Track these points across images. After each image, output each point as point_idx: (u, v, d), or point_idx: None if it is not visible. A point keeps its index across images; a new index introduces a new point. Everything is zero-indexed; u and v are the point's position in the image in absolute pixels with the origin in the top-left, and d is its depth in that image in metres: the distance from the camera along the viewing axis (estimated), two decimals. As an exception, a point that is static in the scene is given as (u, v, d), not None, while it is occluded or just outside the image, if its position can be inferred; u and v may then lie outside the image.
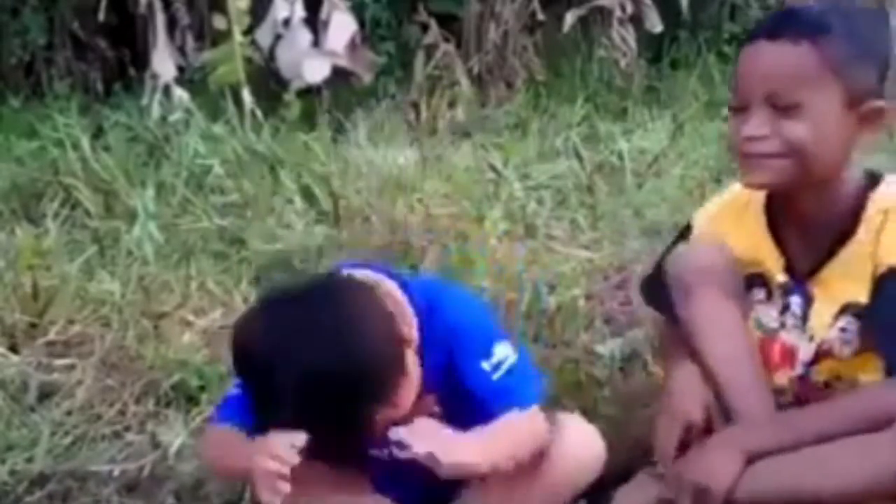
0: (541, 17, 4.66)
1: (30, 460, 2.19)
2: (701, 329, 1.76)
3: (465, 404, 1.70)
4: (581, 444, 1.77)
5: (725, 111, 4.46)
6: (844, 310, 1.73)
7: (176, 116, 3.97)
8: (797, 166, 1.64)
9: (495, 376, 1.67)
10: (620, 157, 3.84)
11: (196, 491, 2.12)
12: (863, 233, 1.70)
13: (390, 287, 1.71)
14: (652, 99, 4.57)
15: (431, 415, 1.69)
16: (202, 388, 2.44)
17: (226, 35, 4.10)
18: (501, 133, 4.12)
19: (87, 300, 2.76)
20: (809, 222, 1.72)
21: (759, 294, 1.82)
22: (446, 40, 4.49)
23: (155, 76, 4.17)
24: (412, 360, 1.65)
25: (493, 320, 1.79)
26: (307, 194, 3.45)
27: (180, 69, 4.26)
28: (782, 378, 1.81)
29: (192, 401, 2.42)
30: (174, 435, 2.29)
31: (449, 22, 4.61)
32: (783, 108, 1.62)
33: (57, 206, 3.31)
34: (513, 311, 2.68)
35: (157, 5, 4.27)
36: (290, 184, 3.47)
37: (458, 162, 3.70)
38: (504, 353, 1.69)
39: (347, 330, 1.56)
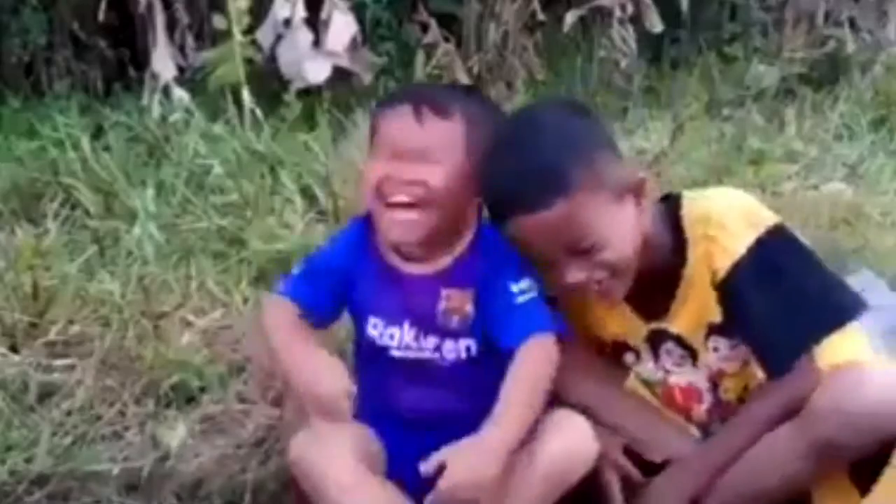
0: (541, 17, 4.65)
1: (30, 460, 2.19)
2: (597, 405, 1.85)
3: (490, 318, 1.80)
4: (574, 438, 1.78)
5: (726, 111, 4.46)
6: (710, 331, 1.82)
7: (176, 116, 3.97)
8: (625, 273, 1.75)
9: (520, 299, 1.76)
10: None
11: (196, 491, 2.12)
12: (692, 256, 1.78)
13: None
14: (652, 99, 4.57)
15: (464, 313, 1.81)
16: (202, 389, 2.44)
17: (226, 35, 4.09)
18: (501, 133, 4.12)
19: (87, 300, 2.76)
20: (645, 279, 1.79)
21: (630, 357, 1.94)
22: (446, 40, 4.48)
23: (155, 76, 4.16)
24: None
25: (525, 260, 1.83)
26: (307, 194, 3.45)
27: (180, 69, 4.25)
28: (699, 413, 1.91)
29: (192, 401, 2.42)
30: (174, 435, 2.29)
31: (449, 22, 4.61)
32: (584, 251, 1.71)
33: (57, 206, 3.31)
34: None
35: (157, 5, 4.26)
36: (290, 184, 3.47)
37: (458, 162, 3.69)
38: (531, 286, 1.78)
39: None
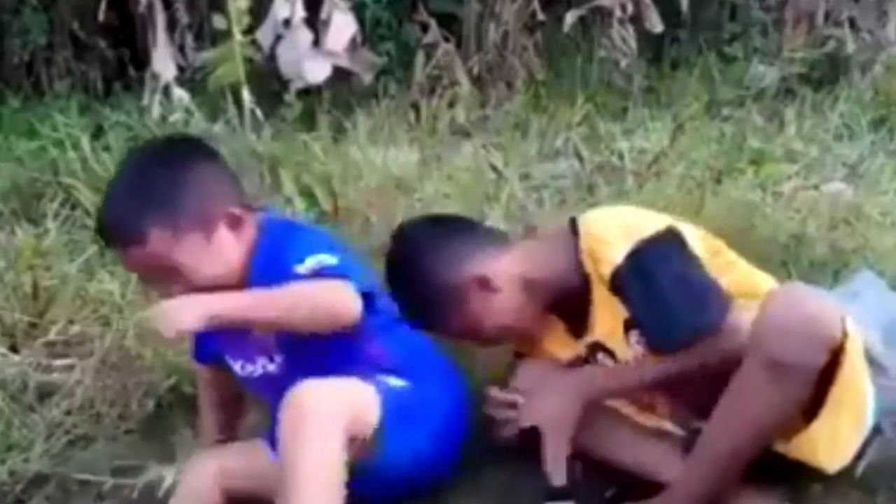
0: (541, 17, 4.65)
1: (29, 460, 2.19)
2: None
3: None
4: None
5: (726, 111, 4.45)
6: (627, 327, 1.95)
7: (176, 116, 3.97)
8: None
9: (303, 270, 1.84)
10: (620, 157, 3.84)
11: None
12: (589, 269, 1.94)
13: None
14: (652, 99, 4.56)
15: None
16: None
17: (226, 35, 4.09)
18: (501, 133, 4.12)
19: (87, 300, 2.77)
20: (564, 302, 2.01)
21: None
22: (446, 40, 4.48)
23: (155, 76, 4.16)
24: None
25: (322, 238, 1.99)
26: (307, 194, 3.45)
27: (180, 69, 4.26)
28: (662, 405, 2.05)
29: (192, 401, 2.42)
30: (174, 435, 2.29)
31: (449, 22, 4.61)
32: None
33: (57, 206, 3.31)
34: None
35: (157, 5, 4.26)
36: (290, 184, 3.47)
37: (458, 162, 3.70)
38: (319, 259, 1.85)
39: None
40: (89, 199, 3.34)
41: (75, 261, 2.96)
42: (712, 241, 2.00)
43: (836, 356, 1.79)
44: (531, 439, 1.96)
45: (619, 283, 1.89)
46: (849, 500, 1.94)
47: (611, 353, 2.00)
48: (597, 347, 2.02)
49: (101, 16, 4.26)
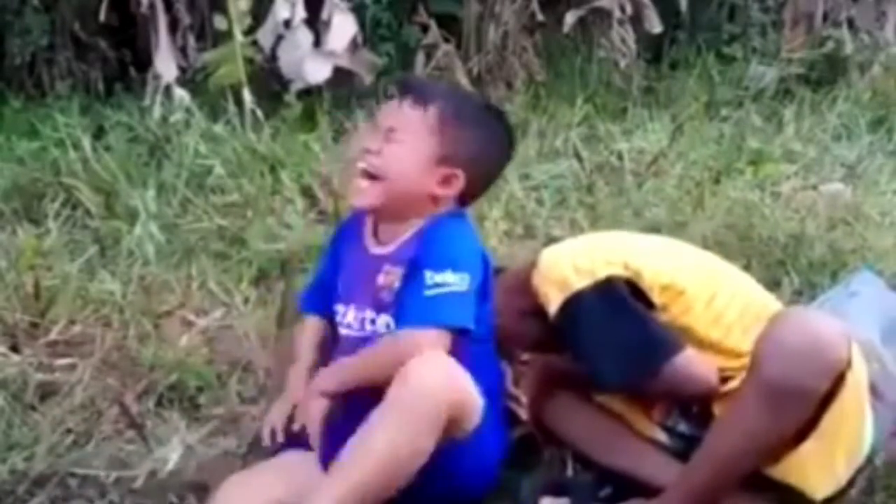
0: (540, 17, 4.66)
1: (30, 459, 2.20)
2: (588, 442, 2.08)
3: (398, 299, 1.90)
4: (430, 373, 1.78)
5: (725, 111, 4.46)
6: None
7: (177, 117, 3.97)
8: None
9: (429, 292, 1.83)
10: (620, 157, 3.84)
11: (196, 491, 2.12)
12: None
13: None
14: (651, 99, 4.57)
15: (392, 289, 1.91)
16: (201, 389, 2.45)
17: (227, 36, 4.10)
18: (501, 133, 4.12)
19: (88, 300, 2.77)
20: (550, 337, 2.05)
21: None
22: (446, 41, 4.49)
23: (156, 76, 4.17)
24: None
25: (467, 255, 1.90)
26: (307, 194, 3.46)
27: (181, 69, 4.26)
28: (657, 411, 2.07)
29: (192, 401, 2.43)
30: (174, 435, 2.30)
31: (449, 22, 4.62)
32: None
33: (58, 207, 3.32)
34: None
35: (159, 6, 4.27)
36: (291, 184, 3.48)
37: (457, 162, 3.69)
38: (451, 281, 1.83)
39: None
40: (90, 199, 3.35)
41: (76, 261, 2.97)
42: (690, 275, 1.98)
43: (837, 382, 1.77)
44: None
45: (557, 330, 1.97)
46: (846, 499, 1.95)
47: None
48: None
49: (102, 16, 4.27)
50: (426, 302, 1.83)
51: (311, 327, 2.14)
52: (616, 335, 1.91)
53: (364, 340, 1.95)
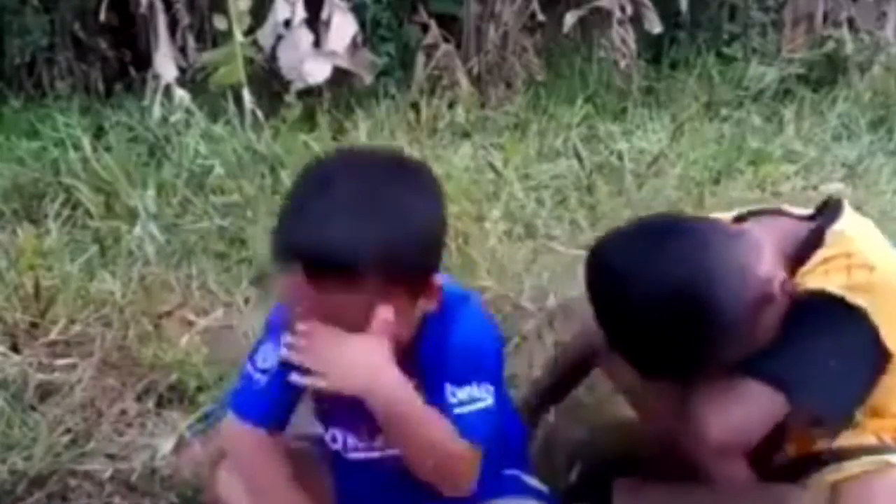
0: (540, 17, 4.66)
1: (30, 459, 2.20)
2: None
3: None
4: None
5: (725, 111, 4.46)
6: None
7: (177, 117, 3.97)
8: None
9: (457, 410, 1.59)
10: (620, 157, 3.85)
11: (197, 491, 2.12)
12: None
13: None
14: (651, 99, 4.57)
15: None
16: (200, 389, 2.45)
17: (227, 36, 4.10)
18: (501, 133, 4.13)
19: (87, 300, 2.77)
20: None
21: None
22: (446, 41, 4.49)
23: (156, 76, 4.17)
24: None
25: (489, 358, 1.66)
26: (307, 194, 3.45)
27: (181, 70, 4.26)
28: None
29: (192, 401, 2.43)
30: (174, 434, 2.30)
31: (449, 22, 4.62)
32: None
33: (58, 207, 3.32)
34: (513, 310, 2.70)
35: (159, 6, 4.27)
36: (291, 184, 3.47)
37: (458, 162, 3.70)
38: (473, 395, 1.60)
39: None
40: (90, 199, 3.35)
41: (76, 261, 2.97)
42: None
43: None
44: None
45: None
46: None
47: None
48: None
49: (102, 16, 4.27)
50: (457, 420, 1.58)
51: (257, 444, 1.69)
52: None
53: (378, 461, 1.70)
